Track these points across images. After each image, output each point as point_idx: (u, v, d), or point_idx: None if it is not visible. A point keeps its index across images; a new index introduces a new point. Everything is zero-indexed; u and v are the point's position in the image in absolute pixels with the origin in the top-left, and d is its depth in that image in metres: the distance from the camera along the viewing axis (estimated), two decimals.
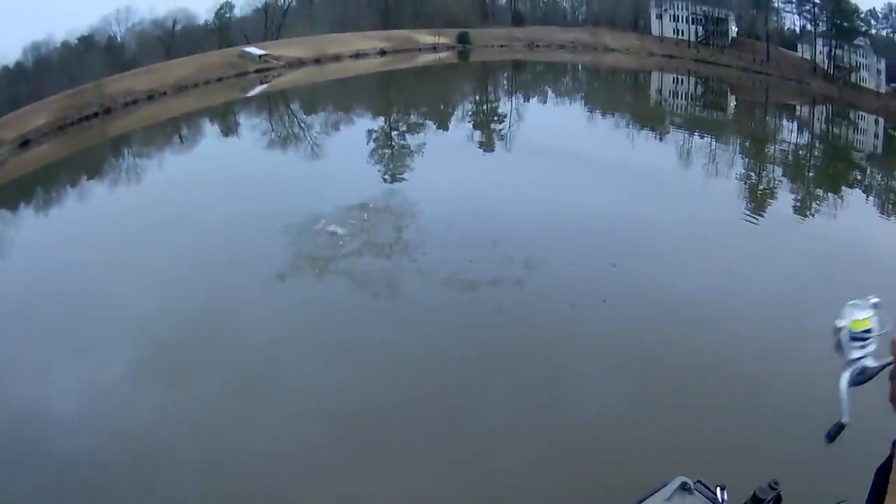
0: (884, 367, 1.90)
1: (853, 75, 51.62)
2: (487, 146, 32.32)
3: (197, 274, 16.93)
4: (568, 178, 23.93)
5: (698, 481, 3.42)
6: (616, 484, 7.61)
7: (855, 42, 52.05)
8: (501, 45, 65.15)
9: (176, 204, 22.50)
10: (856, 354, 2.02)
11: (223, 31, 63.70)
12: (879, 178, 30.66)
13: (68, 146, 36.70)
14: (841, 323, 2.05)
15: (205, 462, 10.13)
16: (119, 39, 57.78)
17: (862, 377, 2.01)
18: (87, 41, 54.98)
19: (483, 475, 9.38)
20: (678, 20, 63.38)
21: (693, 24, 62.73)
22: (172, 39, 59.87)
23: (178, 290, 15.98)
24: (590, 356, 12.29)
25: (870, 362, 2.00)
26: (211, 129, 39.87)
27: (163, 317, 14.59)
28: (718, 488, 3.37)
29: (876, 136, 41.11)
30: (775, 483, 3.12)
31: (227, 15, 65.57)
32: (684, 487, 3.40)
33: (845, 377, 2.04)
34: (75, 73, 45.75)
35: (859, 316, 2.03)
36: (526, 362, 12.27)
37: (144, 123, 41.01)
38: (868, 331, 2.01)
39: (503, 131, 35.69)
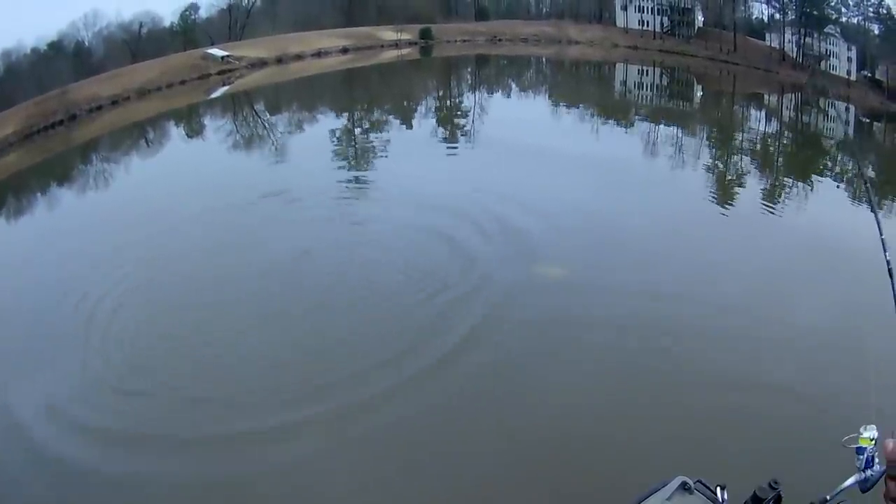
0: (883, 473, 2.13)
1: (823, 63, 51.34)
2: (450, 141, 30.98)
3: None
4: (532, 173, 22.60)
5: (698, 481, 3.41)
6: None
7: (825, 30, 51.93)
8: (464, 40, 64.40)
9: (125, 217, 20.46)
10: (861, 465, 2.65)
11: (188, 33, 62.91)
12: (850, 165, 29.52)
13: (33, 155, 35.47)
14: (851, 442, 2.67)
15: None
16: (87, 44, 56.98)
17: (866, 484, 2.61)
18: (56, 47, 54.32)
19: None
20: (643, 11, 62.80)
21: (658, 14, 62.21)
22: (138, 43, 59.16)
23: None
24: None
25: (870, 473, 2.61)
26: (175, 134, 38.58)
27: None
28: (719, 488, 3.36)
29: (847, 123, 40.56)
30: (775, 482, 3.08)
31: (192, 17, 64.86)
32: (684, 487, 3.39)
33: (851, 479, 2.70)
34: (45, 80, 45.10)
35: (865, 435, 2.65)
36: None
37: (108, 130, 39.91)
38: (864, 448, 2.65)
39: (466, 127, 34.35)
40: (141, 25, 60.23)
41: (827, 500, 2.82)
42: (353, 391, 10.65)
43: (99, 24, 57.52)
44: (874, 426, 2.63)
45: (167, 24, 63.14)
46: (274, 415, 10.15)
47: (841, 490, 2.76)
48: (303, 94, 47.67)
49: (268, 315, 13.22)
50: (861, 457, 2.64)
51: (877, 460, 2.58)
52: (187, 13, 64.20)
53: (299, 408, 10.30)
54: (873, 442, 2.61)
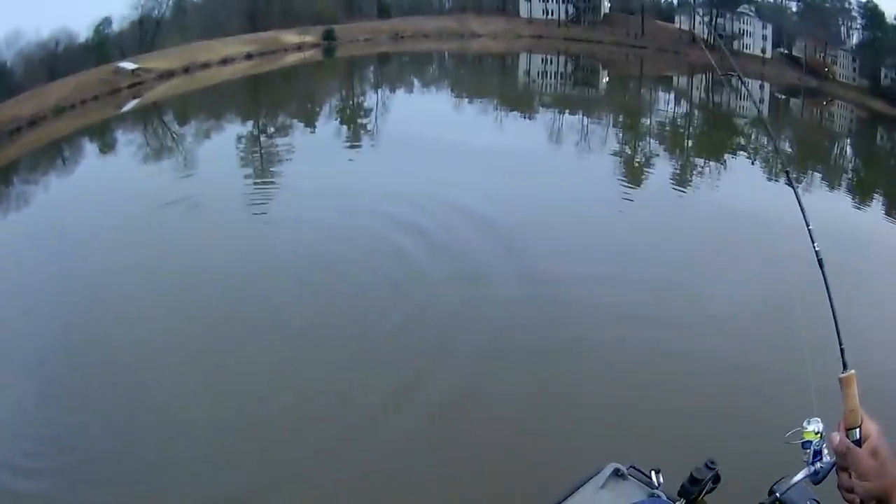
0: (833, 464, 2.11)
1: (737, 42, 51.12)
2: (353, 141, 29.04)
3: None
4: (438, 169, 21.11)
5: (631, 466, 3.37)
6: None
7: (739, 10, 52.20)
8: (367, 39, 62.21)
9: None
10: (810, 460, 2.47)
11: (101, 47, 59.31)
12: (766, 142, 28.17)
13: None
14: (795, 437, 2.50)
15: None
16: (8, 65, 53.26)
17: (816, 477, 2.44)
18: None
19: None
20: (548, 0, 61.54)
21: (564, 2, 60.98)
22: (55, 60, 55.73)
23: None
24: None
25: (820, 465, 2.43)
26: (89, 150, 35.14)
27: None
28: (653, 472, 3.29)
29: (761, 100, 40.02)
30: (712, 463, 3.08)
31: (105, 31, 61.13)
32: (618, 473, 3.35)
33: (801, 474, 2.51)
34: None
35: (809, 429, 2.48)
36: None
37: (27, 151, 36.50)
38: (810, 442, 2.47)
39: (368, 126, 32.62)
40: (57, 43, 56.65)
41: (779, 497, 2.68)
42: None
43: (20, 43, 53.95)
44: (818, 419, 2.48)
45: (82, 39, 59.26)
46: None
47: (793, 485, 2.59)
48: (209, 103, 45.24)
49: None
50: (808, 450, 2.48)
51: (825, 452, 2.41)
52: (101, 27, 60.70)
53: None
54: (819, 435, 2.46)
